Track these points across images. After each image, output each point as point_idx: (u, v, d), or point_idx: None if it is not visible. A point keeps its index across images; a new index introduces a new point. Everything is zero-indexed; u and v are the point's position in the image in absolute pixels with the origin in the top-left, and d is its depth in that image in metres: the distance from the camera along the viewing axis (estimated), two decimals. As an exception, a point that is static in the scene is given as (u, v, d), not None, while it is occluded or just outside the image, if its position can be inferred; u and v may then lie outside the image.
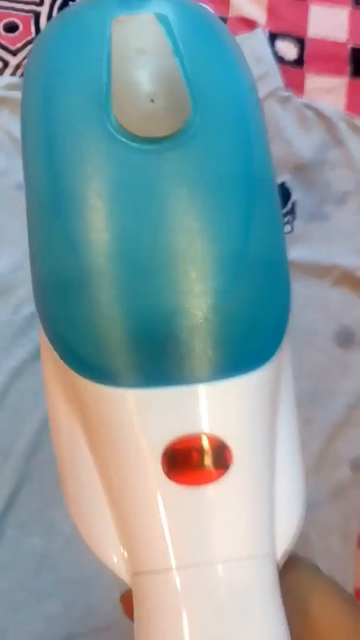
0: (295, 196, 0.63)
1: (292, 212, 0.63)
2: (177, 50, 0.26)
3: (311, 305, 0.61)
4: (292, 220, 0.63)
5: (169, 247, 0.24)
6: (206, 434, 0.24)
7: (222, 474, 0.24)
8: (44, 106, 0.26)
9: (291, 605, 0.24)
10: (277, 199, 0.27)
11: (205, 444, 0.24)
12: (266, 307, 0.25)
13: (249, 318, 0.25)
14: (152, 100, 0.25)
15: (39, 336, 0.27)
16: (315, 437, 0.58)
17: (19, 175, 0.64)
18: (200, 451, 0.24)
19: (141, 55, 0.26)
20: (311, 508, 0.58)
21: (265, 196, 0.26)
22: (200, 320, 0.24)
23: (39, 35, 0.30)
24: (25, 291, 0.62)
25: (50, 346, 0.25)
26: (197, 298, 0.24)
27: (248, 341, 0.25)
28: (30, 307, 0.61)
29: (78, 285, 0.24)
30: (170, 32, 0.26)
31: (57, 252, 0.25)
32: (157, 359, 0.24)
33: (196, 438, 0.24)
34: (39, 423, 0.58)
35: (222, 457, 0.24)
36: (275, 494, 0.25)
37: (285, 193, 0.63)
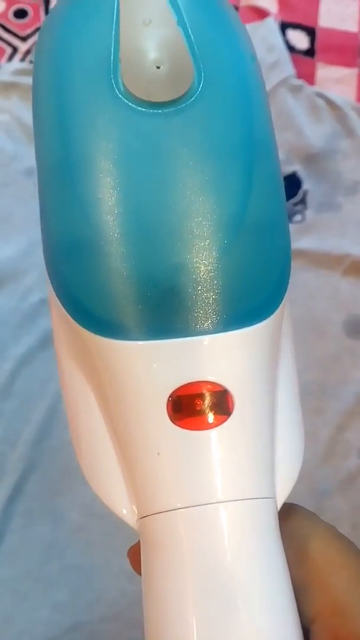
0: (306, 186, 0.63)
1: (302, 201, 0.63)
2: (181, 21, 0.28)
3: (321, 295, 0.61)
4: (303, 210, 0.62)
5: (174, 207, 0.26)
6: (209, 382, 0.25)
7: (225, 420, 0.25)
8: (55, 74, 0.28)
9: (291, 549, 0.26)
10: (277, 160, 0.28)
11: (208, 390, 0.25)
12: (267, 264, 0.27)
13: (250, 274, 0.26)
14: (158, 67, 0.27)
15: (49, 300, 0.28)
16: (324, 426, 0.58)
17: (27, 161, 0.64)
18: (203, 397, 0.25)
19: (148, 26, 0.28)
20: (321, 497, 0.58)
21: (266, 157, 0.27)
22: (204, 275, 0.25)
23: (51, 10, 0.31)
24: (33, 278, 0.61)
25: (60, 307, 0.26)
26: (200, 253, 0.25)
27: (250, 296, 0.26)
28: (38, 294, 0.60)
29: (88, 243, 0.26)
30: (174, 4, 0.28)
31: (68, 212, 0.26)
32: (163, 312, 0.25)
33: (199, 385, 0.25)
34: (47, 411, 0.58)
35: (224, 404, 0.25)
36: (276, 441, 0.27)
37: (296, 183, 0.63)
